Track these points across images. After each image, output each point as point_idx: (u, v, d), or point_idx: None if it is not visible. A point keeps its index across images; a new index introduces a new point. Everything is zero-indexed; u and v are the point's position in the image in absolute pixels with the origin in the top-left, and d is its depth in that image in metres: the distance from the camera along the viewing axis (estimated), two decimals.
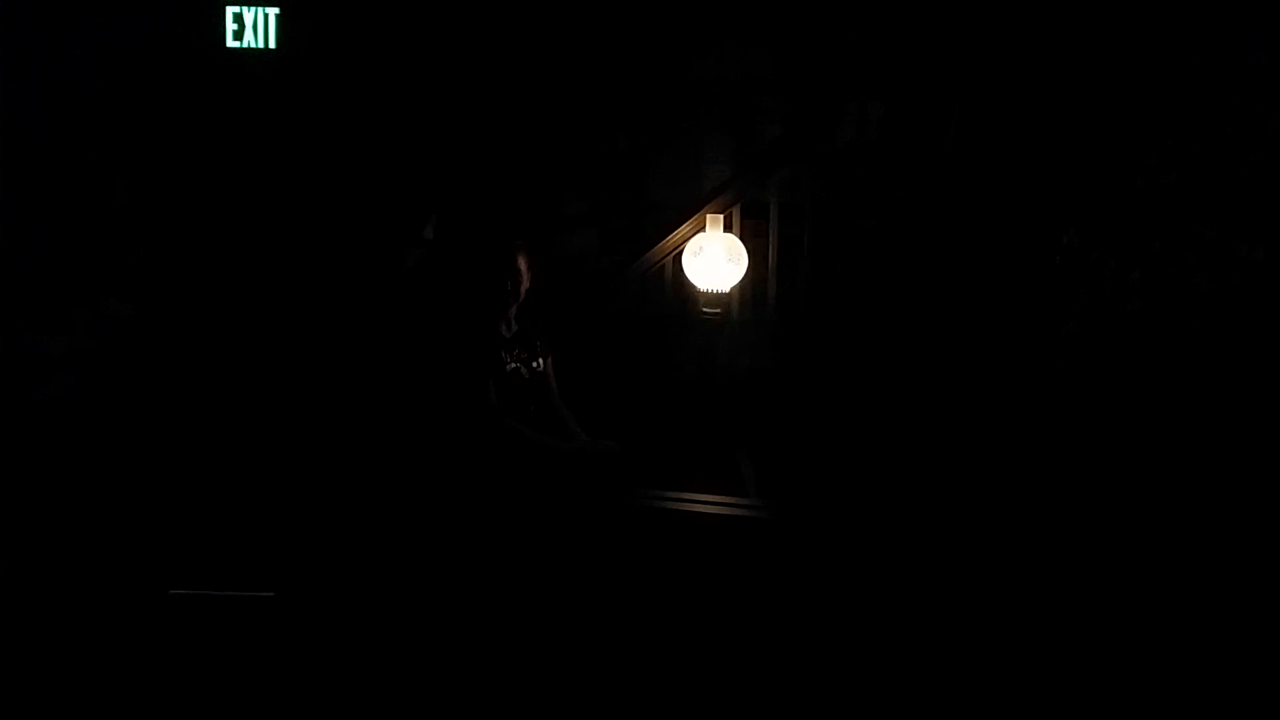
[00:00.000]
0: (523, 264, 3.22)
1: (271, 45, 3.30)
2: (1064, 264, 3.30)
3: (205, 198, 3.39)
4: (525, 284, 3.24)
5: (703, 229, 3.43)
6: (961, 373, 3.32)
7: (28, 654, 3.10)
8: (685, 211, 3.52)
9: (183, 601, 3.23)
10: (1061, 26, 3.31)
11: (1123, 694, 2.84)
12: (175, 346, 3.34)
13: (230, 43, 3.30)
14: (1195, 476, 2.97)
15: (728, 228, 3.46)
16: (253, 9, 3.29)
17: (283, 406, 3.36)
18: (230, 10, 3.29)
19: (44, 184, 3.24)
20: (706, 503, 3.30)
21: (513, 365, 3.23)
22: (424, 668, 3.08)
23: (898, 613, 3.11)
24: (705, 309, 3.41)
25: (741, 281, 3.44)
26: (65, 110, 3.26)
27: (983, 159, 3.39)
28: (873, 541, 3.19)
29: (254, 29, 3.30)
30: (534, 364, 3.28)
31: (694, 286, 3.43)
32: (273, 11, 3.30)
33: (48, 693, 3.03)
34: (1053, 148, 3.33)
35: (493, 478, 3.11)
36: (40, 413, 3.24)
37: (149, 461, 3.32)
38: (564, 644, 3.08)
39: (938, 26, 3.48)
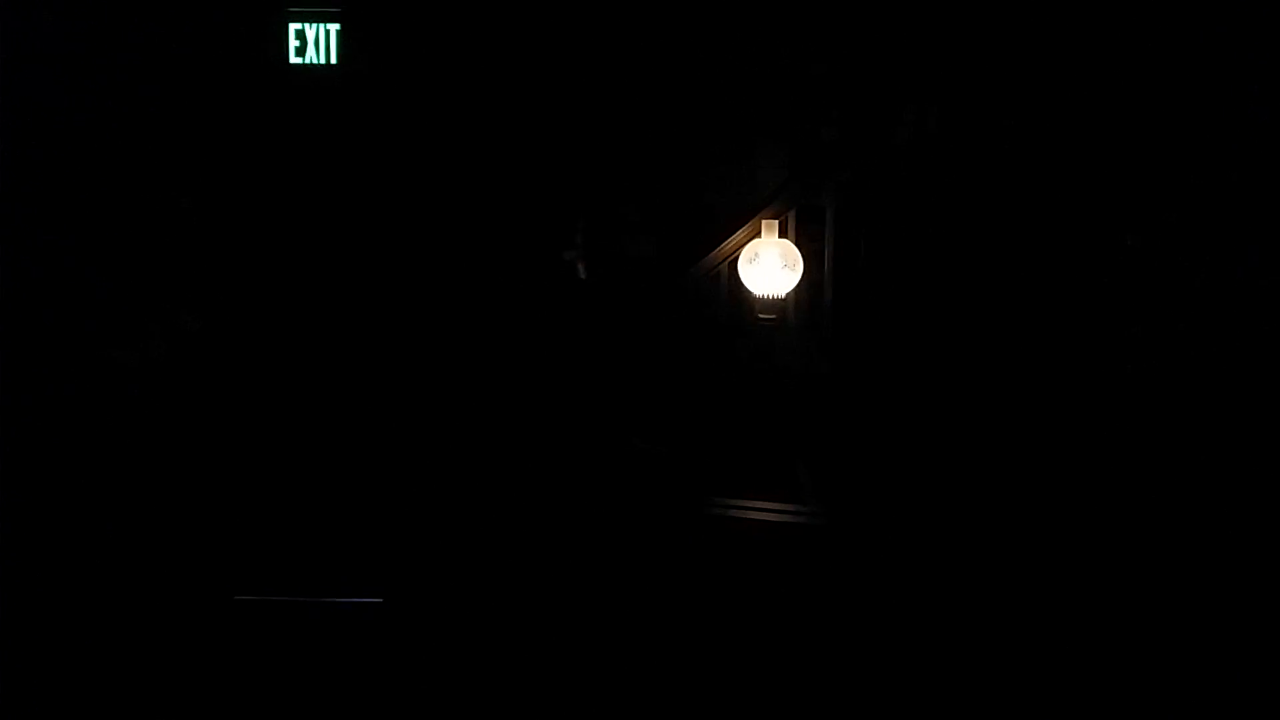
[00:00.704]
0: (581, 270, 3.24)
1: (333, 61, 3.35)
2: (1127, 267, 3.24)
3: (269, 213, 3.44)
4: None
5: (758, 235, 3.43)
6: (1023, 378, 3.28)
7: (92, 657, 3.18)
8: (740, 217, 3.51)
9: (248, 608, 3.29)
10: (1120, 28, 3.26)
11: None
12: (243, 361, 3.40)
13: (293, 59, 3.35)
14: (1268, 483, 2.91)
15: (783, 233, 3.45)
16: (314, 25, 3.34)
17: (343, 410, 3.42)
18: (293, 27, 3.34)
19: (113, 199, 3.32)
20: (764, 510, 3.29)
21: None
22: (480, 669, 3.11)
23: (956, 621, 3.08)
24: (761, 315, 3.41)
25: (797, 287, 3.43)
26: (133, 126, 3.33)
27: (1042, 162, 3.35)
28: (932, 549, 3.17)
29: (316, 45, 3.35)
30: None
31: (750, 292, 3.43)
32: (334, 28, 3.34)
33: (110, 694, 3.10)
34: (1112, 149, 3.28)
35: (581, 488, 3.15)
36: (112, 423, 3.32)
37: (218, 471, 3.38)
38: (620, 649, 3.09)
39: (994, 28, 3.44)
